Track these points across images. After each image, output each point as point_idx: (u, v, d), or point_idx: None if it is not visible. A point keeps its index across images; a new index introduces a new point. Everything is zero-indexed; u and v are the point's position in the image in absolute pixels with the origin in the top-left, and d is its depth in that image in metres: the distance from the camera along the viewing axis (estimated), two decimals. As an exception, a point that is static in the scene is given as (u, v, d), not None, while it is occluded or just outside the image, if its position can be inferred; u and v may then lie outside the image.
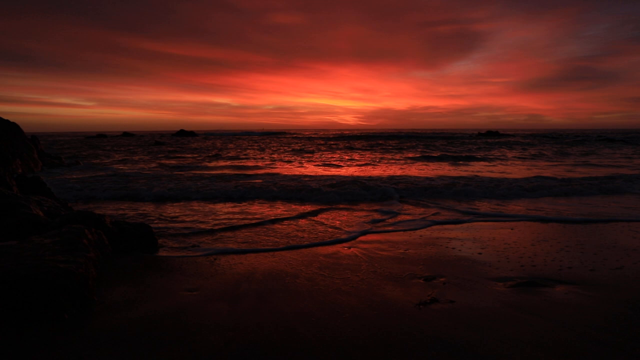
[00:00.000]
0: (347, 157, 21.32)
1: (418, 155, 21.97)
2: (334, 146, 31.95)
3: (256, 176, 12.48)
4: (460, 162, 18.62)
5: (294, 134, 77.26)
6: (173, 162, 18.94)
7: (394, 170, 15.11)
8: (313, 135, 61.44)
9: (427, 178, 11.49)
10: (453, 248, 4.94)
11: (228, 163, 18.44)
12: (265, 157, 21.30)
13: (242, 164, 17.94)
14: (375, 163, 18.22)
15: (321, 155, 23.29)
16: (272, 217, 6.74)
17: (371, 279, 3.92)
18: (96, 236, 4.31)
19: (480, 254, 4.70)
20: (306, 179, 11.31)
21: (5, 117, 12.20)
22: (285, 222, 6.48)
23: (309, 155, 23.13)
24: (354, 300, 3.40)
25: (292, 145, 33.37)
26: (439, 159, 20.28)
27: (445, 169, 15.46)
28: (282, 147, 30.79)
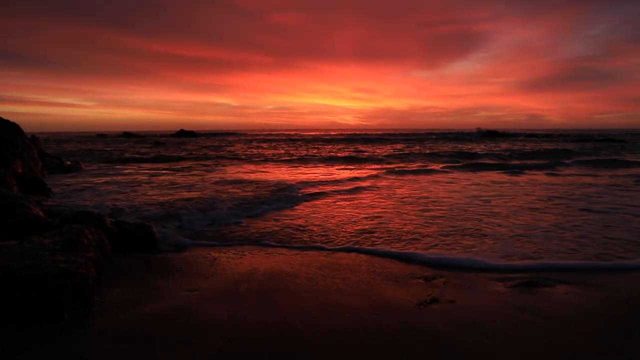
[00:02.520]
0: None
1: (545, 162, 17.40)
2: (377, 151, 25.64)
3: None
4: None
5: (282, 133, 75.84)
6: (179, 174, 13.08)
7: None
8: (319, 135, 58.29)
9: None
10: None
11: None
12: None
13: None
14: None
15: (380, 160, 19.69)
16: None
17: (371, 279, 3.92)
18: (96, 236, 4.31)
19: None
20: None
21: (5, 117, 12.20)
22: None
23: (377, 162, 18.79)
24: (354, 300, 3.40)
25: (339, 147, 29.35)
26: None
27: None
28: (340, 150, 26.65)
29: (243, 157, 22.25)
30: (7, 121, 12.09)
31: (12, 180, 7.11)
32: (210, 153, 24.81)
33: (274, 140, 43.26)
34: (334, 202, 8.41)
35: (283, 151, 26.92)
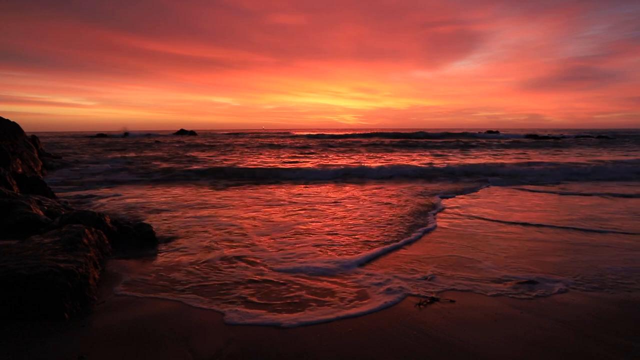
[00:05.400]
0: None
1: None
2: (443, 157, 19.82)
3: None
4: None
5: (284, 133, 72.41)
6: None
7: None
8: (325, 135, 49.86)
9: None
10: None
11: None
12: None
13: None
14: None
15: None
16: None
17: (371, 278, 3.90)
18: (96, 236, 4.32)
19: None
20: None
21: (5, 117, 12.22)
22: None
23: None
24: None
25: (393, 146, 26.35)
26: None
27: None
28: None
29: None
30: (8, 121, 12.10)
31: (12, 180, 7.11)
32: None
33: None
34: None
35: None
